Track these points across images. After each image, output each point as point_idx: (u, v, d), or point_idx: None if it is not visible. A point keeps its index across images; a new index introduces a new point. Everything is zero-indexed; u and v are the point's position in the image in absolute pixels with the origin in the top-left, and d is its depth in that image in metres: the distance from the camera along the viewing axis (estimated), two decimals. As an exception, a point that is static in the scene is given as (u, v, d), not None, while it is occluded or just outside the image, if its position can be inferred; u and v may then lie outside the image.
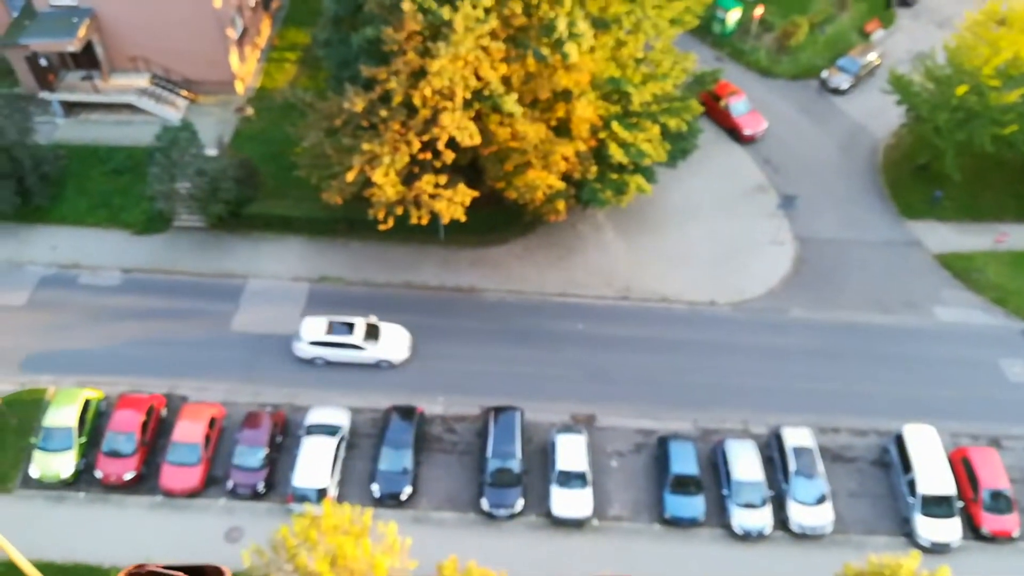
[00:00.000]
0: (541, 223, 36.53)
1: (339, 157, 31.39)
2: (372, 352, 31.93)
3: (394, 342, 32.43)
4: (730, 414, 31.66)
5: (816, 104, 43.69)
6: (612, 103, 33.64)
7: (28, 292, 34.46)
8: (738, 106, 41.46)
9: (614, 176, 33.77)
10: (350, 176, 30.35)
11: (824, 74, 44.32)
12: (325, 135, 31.96)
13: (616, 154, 32.84)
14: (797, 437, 29.95)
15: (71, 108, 41.24)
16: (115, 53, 40.76)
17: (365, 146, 29.89)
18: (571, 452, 29.09)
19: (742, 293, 35.54)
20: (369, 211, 31.38)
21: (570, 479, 28.57)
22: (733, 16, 45.74)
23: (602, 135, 33.29)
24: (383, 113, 30.12)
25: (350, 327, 32.04)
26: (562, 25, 29.47)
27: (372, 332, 32.34)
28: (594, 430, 30.92)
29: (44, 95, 40.46)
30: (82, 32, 38.30)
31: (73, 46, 38.40)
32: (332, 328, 31.99)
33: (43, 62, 39.69)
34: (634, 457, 30.45)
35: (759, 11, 45.41)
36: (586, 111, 32.18)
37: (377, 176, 29.88)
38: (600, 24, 32.08)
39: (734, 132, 41.49)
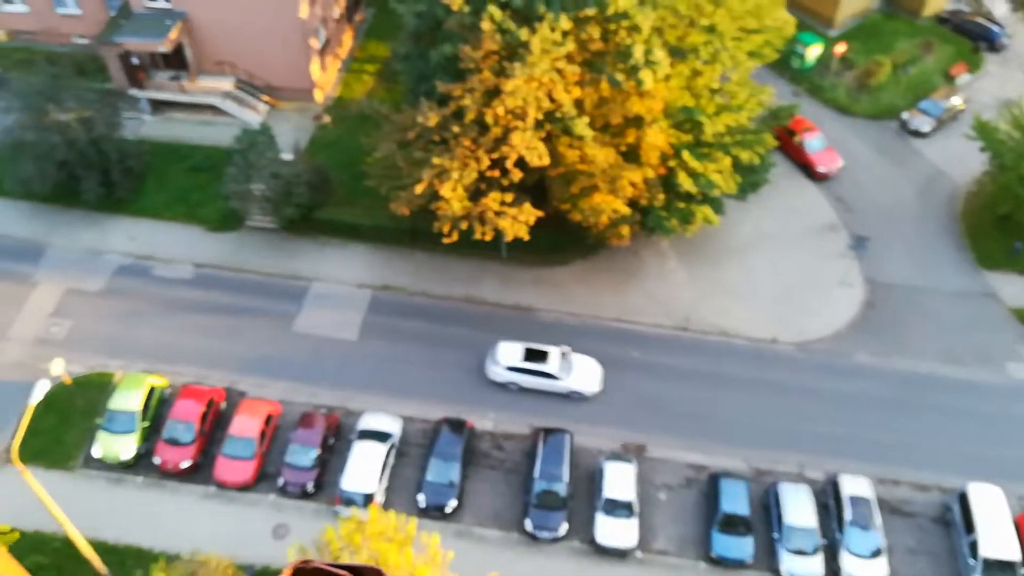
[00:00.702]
0: (603, 247, 36.37)
1: (409, 169, 31.90)
2: (566, 382, 31.87)
3: (587, 374, 32.30)
4: (786, 456, 30.80)
5: (895, 146, 42.59)
6: (684, 132, 33.40)
7: (105, 279, 35.81)
8: (813, 143, 40.70)
9: (681, 205, 33.48)
10: (419, 188, 30.78)
11: (905, 115, 43.19)
12: (397, 147, 32.54)
13: (685, 183, 32.57)
14: (855, 486, 28.95)
15: (158, 106, 42.89)
16: (203, 56, 42.37)
17: (435, 160, 30.32)
18: (619, 480, 28.70)
19: (806, 333, 34.65)
20: (435, 224, 31.76)
21: (616, 508, 28.16)
22: (813, 52, 45.08)
23: (672, 163, 33.07)
24: (455, 129, 30.55)
25: (544, 355, 31.98)
26: (638, 52, 29.48)
27: (565, 362, 32.21)
28: (644, 460, 30.46)
29: (134, 92, 42.13)
30: (173, 34, 39.96)
31: (164, 47, 40.06)
32: (532, 356, 31.88)
33: (135, 60, 41.45)
34: (683, 491, 29.86)
35: (841, 48, 44.67)
36: (657, 138, 32.02)
37: (445, 190, 30.25)
38: (677, 53, 32.01)
39: (808, 169, 40.72)
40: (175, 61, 42.09)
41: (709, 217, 33.49)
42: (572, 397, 32.06)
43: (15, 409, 29.63)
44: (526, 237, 31.88)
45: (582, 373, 32.19)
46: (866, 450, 30.92)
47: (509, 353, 32.15)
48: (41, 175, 36.37)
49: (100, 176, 37.26)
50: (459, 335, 33.94)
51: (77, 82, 38.37)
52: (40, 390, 23.29)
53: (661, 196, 33.00)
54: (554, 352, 32.18)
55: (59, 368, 30.40)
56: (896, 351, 34.16)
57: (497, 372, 32.14)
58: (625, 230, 33.41)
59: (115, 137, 37.68)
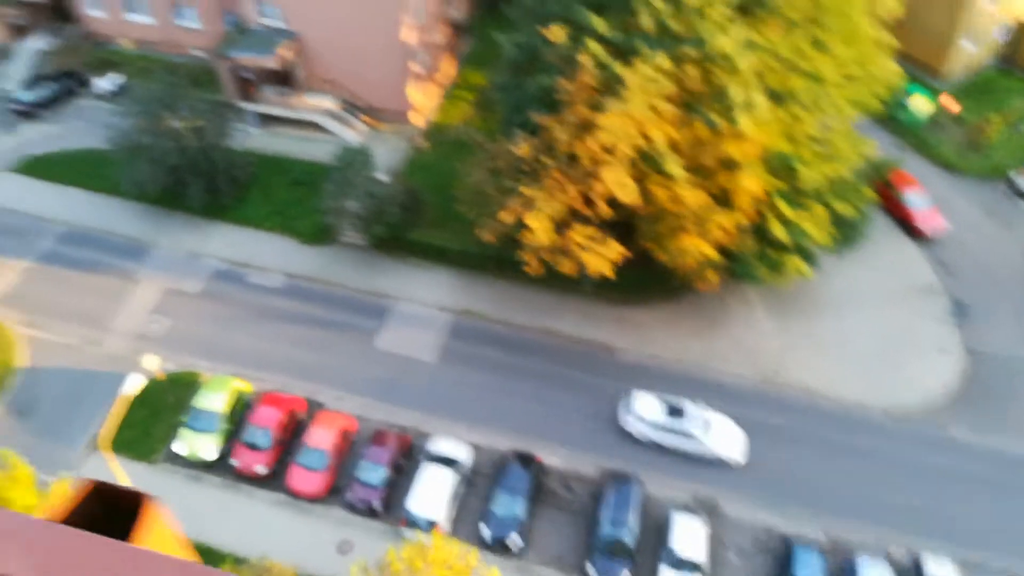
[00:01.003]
0: (689, 290, 35.64)
1: (499, 197, 32.14)
2: (708, 446, 30.34)
3: (728, 438, 30.56)
4: (866, 528, 29.25)
5: (1003, 208, 40.48)
6: (779, 179, 32.55)
7: (203, 282, 37.33)
8: (915, 199, 39.08)
9: (772, 254, 32.58)
10: (505, 216, 31.03)
11: (1014, 176, 41.07)
12: (489, 174, 32.90)
13: (777, 231, 31.68)
14: (939, 568, 27.28)
15: (264, 120, 44.80)
16: (311, 74, 44.06)
17: (524, 190, 30.51)
18: (687, 535, 27.86)
19: (897, 400, 32.98)
20: (519, 253, 31.88)
21: (682, 564, 27.28)
22: (921, 105, 43.45)
23: (764, 210, 32.28)
24: (546, 160, 30.68)
25: (680, 411, 30.82)
26: (736, 93, 28.97)
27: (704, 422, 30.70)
28: (716, 516, 29.51)
29: (243, 105, 44.15)
30: (282, 52, 41.72)
31: (273, 63, 41.86)
32: (670, 411, 30.68)
33: (246, 75, 43.48)
34: (755, 554, 28.67)
35: (951, 104, 42.89)
36: (751, 183, 31.27)
37: (531, 220, 30.36)
38: (776, 97, 31.34)
39: (908, 226, 39.09)
40: (284, 77, 43.93)
41: (801, 269, 32.45)
42: (713, 464, 30.61)
43: (108, 399, 31.08)
44: (610, 275, 31.55)
45: (723, 436, 30.65)
46: (953, 530, 29.13)
47: (648, 407, 31.05)
48: (153, 178, 38.26)
49: (206, 183, 38.88)
50: (537, 367, 33.79)
51: (192, 92, 40.16)
52: (132, 383, 24.28)
53: (751, 243, 32.21)
54: (693, 410, 30.82)
55: (152, 363, 31.72)
56: (996, 428, 32.13)
57: (637, 427, 31.04)
58: (713, 275, 32.71)
59: (223, 147, 39.29)
